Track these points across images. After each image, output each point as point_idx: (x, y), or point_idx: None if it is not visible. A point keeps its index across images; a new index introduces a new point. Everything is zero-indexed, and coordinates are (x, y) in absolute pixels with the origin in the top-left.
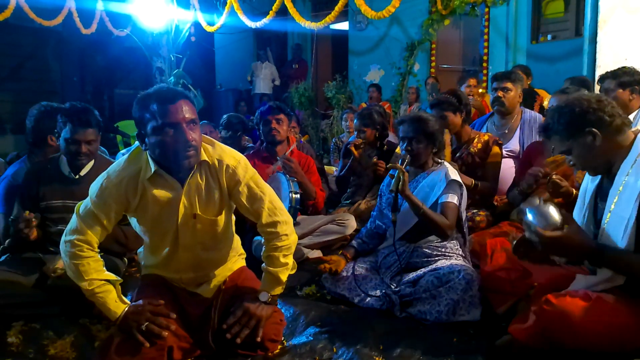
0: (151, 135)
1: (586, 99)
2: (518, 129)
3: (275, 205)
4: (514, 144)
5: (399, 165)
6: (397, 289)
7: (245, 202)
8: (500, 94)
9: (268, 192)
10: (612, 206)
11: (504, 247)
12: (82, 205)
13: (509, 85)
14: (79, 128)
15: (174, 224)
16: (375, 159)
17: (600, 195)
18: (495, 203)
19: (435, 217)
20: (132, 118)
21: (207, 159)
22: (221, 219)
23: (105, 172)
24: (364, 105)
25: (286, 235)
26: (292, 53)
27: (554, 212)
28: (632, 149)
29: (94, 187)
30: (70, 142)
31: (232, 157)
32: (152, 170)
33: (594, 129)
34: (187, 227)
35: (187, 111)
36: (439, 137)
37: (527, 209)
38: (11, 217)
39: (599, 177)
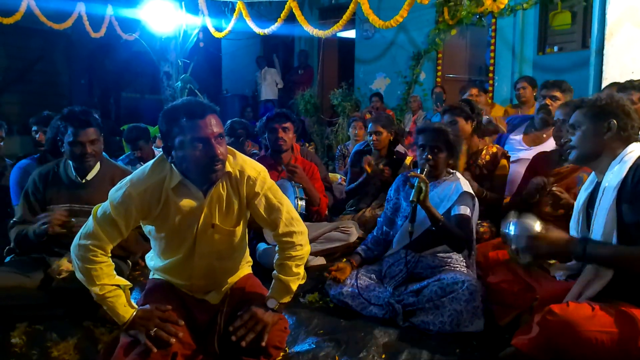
0: (179, 149)
1: (626, 103)
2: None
3: (292, 216)
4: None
5: (421, 175)
6: (400, 298)
7: (263, 213)
8: (548, 101)
9: (285, 203)
10: (598, 205)
11: (506, 259)
12: (100, 210)
13: (557, 94)
14: (79, 129)
15: (193, 232)
16: (381, 166)
17: (591, 203)
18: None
19: (453, 229)
20: (158, 127)
21: (230, 169)
22: (239, 229)
23: (127, 179)
24: (368, 116)
25: (301, 245)
26: (298, 59)
27: (531, 220)
28: (620, 155)
29: (115, 194)
30: (74, 145)
31: (253, 169)
32: (177, 180)
33: (613, 121)
34: (205, 236)
35: (215, 125)
36: (458, 149)
37: (507, 224)
38: (14, 219)
39: (592, 186)
